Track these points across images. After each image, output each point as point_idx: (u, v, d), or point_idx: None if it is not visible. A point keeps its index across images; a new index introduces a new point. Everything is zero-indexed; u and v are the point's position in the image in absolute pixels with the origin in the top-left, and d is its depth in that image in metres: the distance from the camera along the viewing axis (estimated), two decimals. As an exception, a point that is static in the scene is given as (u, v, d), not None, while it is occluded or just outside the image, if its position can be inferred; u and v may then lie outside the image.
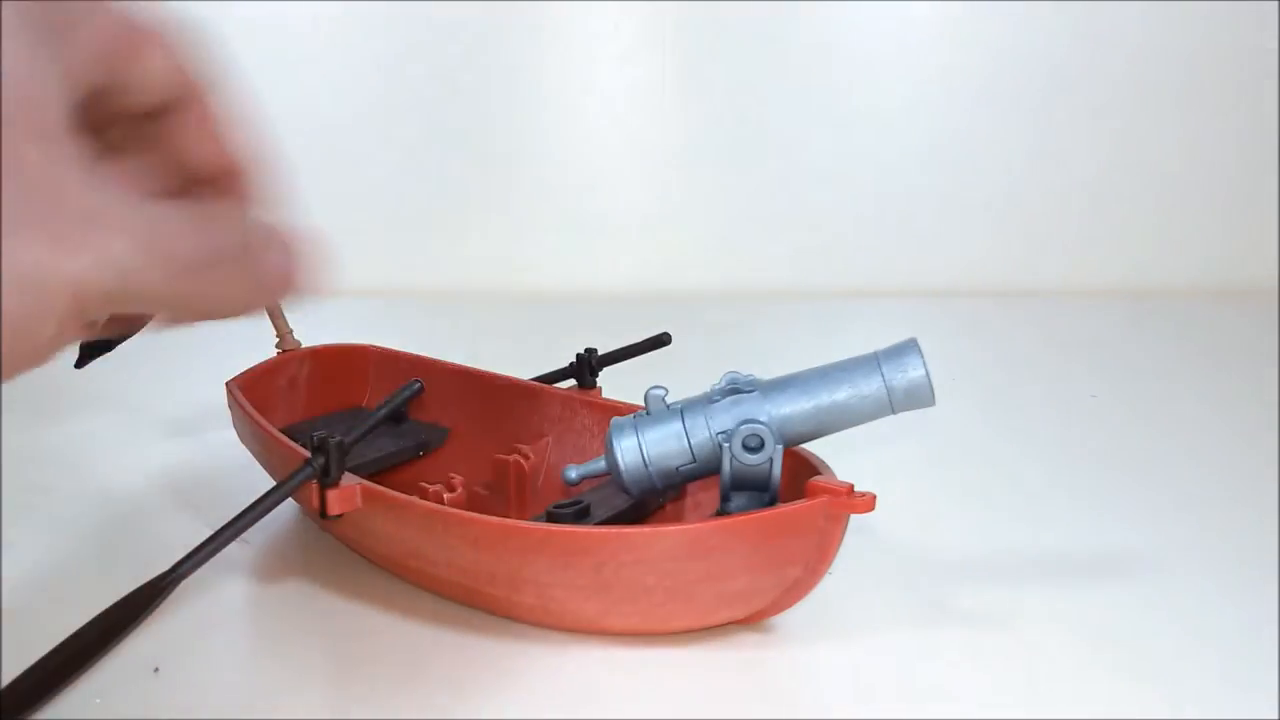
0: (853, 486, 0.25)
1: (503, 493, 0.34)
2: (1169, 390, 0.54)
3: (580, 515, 0.29)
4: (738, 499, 0.27)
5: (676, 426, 0.26)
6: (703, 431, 0.26)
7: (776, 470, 0.26)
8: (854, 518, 0.25)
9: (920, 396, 0.27)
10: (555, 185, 0.83)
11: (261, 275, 0.24)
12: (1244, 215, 0.83)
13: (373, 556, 0.32)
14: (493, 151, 0.83)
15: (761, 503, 0.27)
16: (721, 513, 0.27)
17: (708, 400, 0.27)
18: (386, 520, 0.29)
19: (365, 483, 0.28)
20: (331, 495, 0.27)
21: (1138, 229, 0.83)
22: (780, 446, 0.26)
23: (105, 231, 0.20)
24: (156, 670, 0.26)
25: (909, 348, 0.27)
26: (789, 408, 0.27)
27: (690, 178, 0.83)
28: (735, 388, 0.27)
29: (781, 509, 0.25)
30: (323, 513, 0.28)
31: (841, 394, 0.27)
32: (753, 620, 0.28)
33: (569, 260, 0.81)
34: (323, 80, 0.80)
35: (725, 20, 0.81)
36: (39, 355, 0.21)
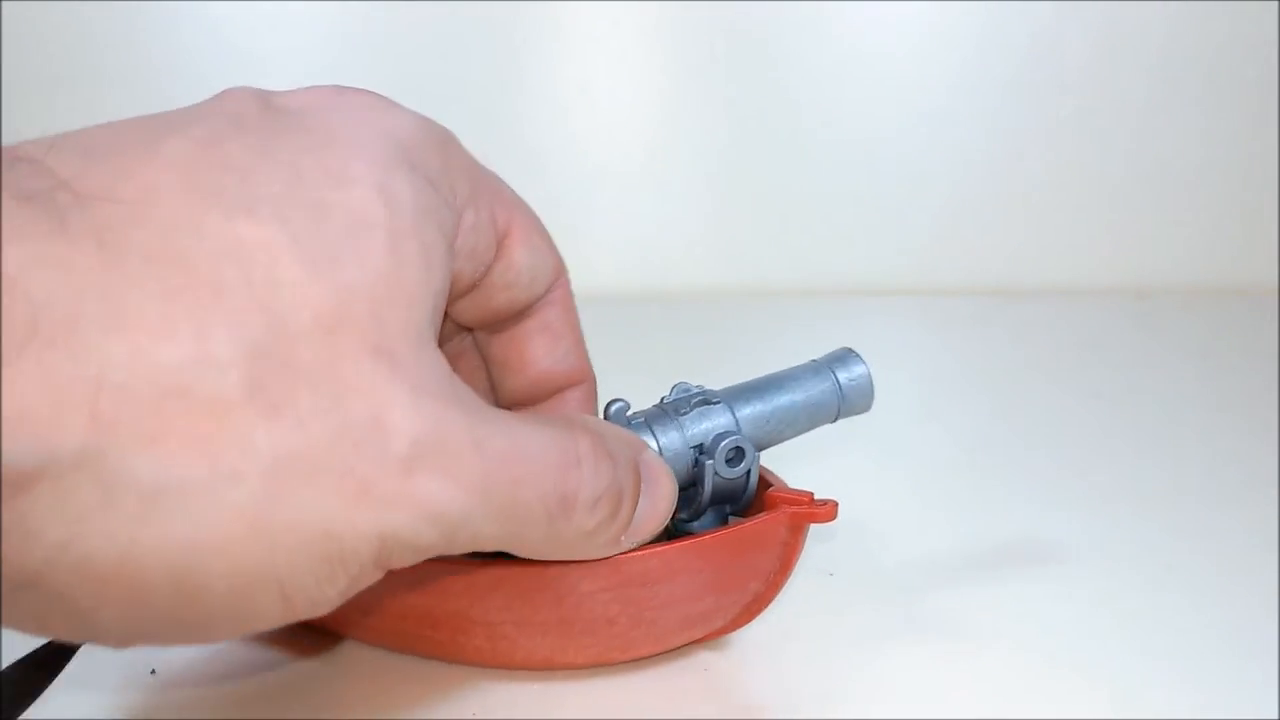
0: (813, 495, 0.25)
1: None
2: (1167, 390, 0.54)
3: None
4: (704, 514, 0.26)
5: (650, 442, 0.25)
6: (678, 445, 0.25)
7: (753, 481, 0.25)
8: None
9: (864, 402, 0.27)
10: (552, 185, 0.83)
11: (626, 527, 0.20)
12: (1244, 215, 0.83)
13: None
14: (489, 150, 0.82)
15: (723, 515, 0.26)
16: (682, 529, 0.26)
17: (674, 412, 0.26)
18: None
19: None
20: None
21: (1137, 228, 0.83)
22: (758, 456, 0.25)
23: (431, 477, 0.16)
24: (154, 672, 0.26)
25: (850, 355, 0.27)
26: (753, 418, 0.26)
27: (689, 177, 0.83)
28: (704, 398, 0.26)
29: (747, 524, 0.24)
30: None
31: (798, 400, 0.27)
32: (709, 639, 0.27)
33: (566, 260, 0.81)
34: (317, 77, 0.80)
35: (725, 19, 0.81)
36: (313, 610, 0.17)
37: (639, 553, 0.23)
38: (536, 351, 0.25)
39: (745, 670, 0.26)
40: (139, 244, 0.15)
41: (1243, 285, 0.79)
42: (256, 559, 0.15)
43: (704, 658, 0.26)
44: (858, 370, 0.27)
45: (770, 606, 0.27)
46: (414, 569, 0.23)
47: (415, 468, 0.16)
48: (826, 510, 0.24)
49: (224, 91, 0.19)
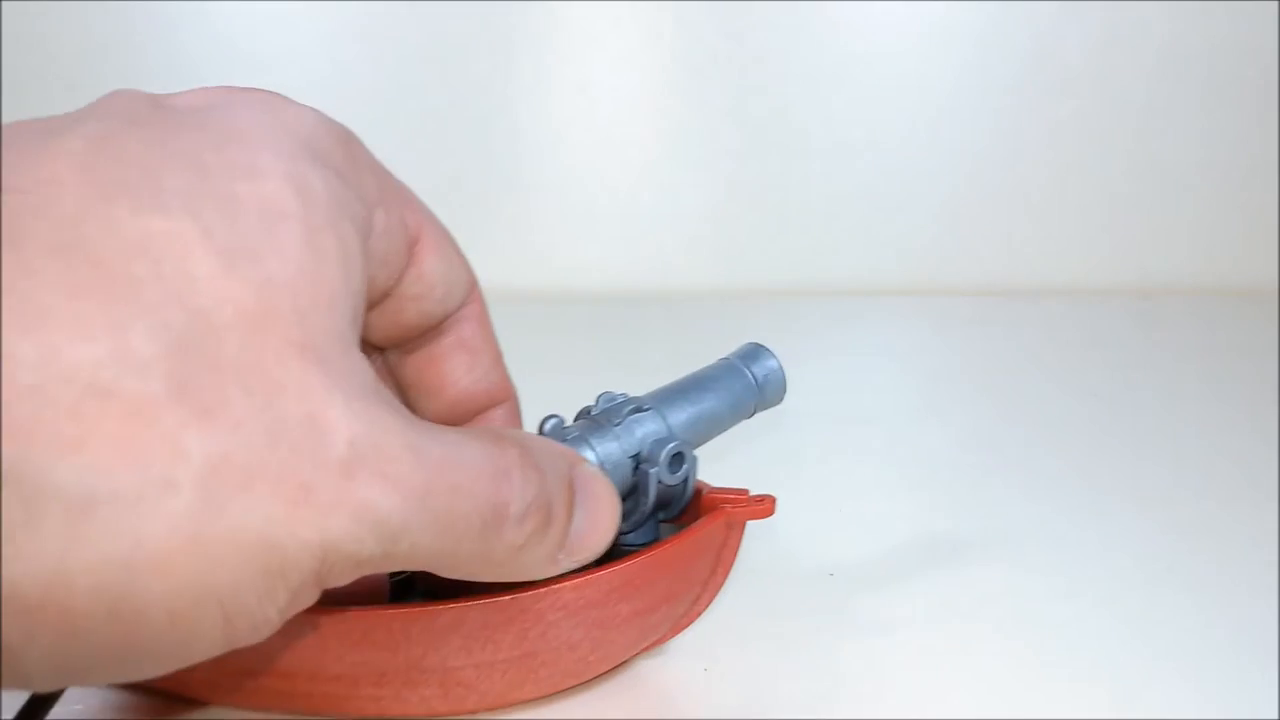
0: (748, 491, 0.25)
1: None
2: (1168, 390, 0.54)
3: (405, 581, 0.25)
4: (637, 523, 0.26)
5: (590, 457, 0.24)
6: (617, 456, 0.24)
7: (690, 486, 0.25)
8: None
9: (778, 396, 0.28)
10: (551, 185, 0.83)
11: (559, 543, 0.19)
12: (1244, 216, 0.83)
13: (183, 690, 0.24)
14: (488, 151, 0.83)
15: (656, 523, 0.26)
16: (621, 542, 0.25)
17: (607, 422, 0.25)
18: None
19: None
20: None
21: (1138, 229, 0.83)
22: (696, 459, 0.25)
23: (371, 481, 0.15)
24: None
25: (761, 350, 0.28)
26: (683, 421, 0.26)
27: (690, 177, 0.83)
28: (635, 406, 0.26)
29: (701, 528, 0.24)
30: None
31: (723, 400, 0.27)
32: (650, 648, 0.26)
33: (564, 259, 0.81)
34: (316, 76, 0.80)
35: (725, 19, 0.81)
36: (254, 635, 0.16)
37: (603, 571, 0.23)
38: (455, 370, 0.23)
39: (751, 670, 0.26)
40: (41, 236, 0.14)
41: (1243, 286, 0.79)
42: (196, 576, 0.14)
43: (704, 660, 0.26)
44: (770, 365, 0.28)
45: (773, 607, 0.27)
46: (360, 621, 0.22)
47: (354, 470, 0.15)
48: (764, 507, 0.24)
49: (110, 93, 0.18)
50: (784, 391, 0.28)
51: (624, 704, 0.25)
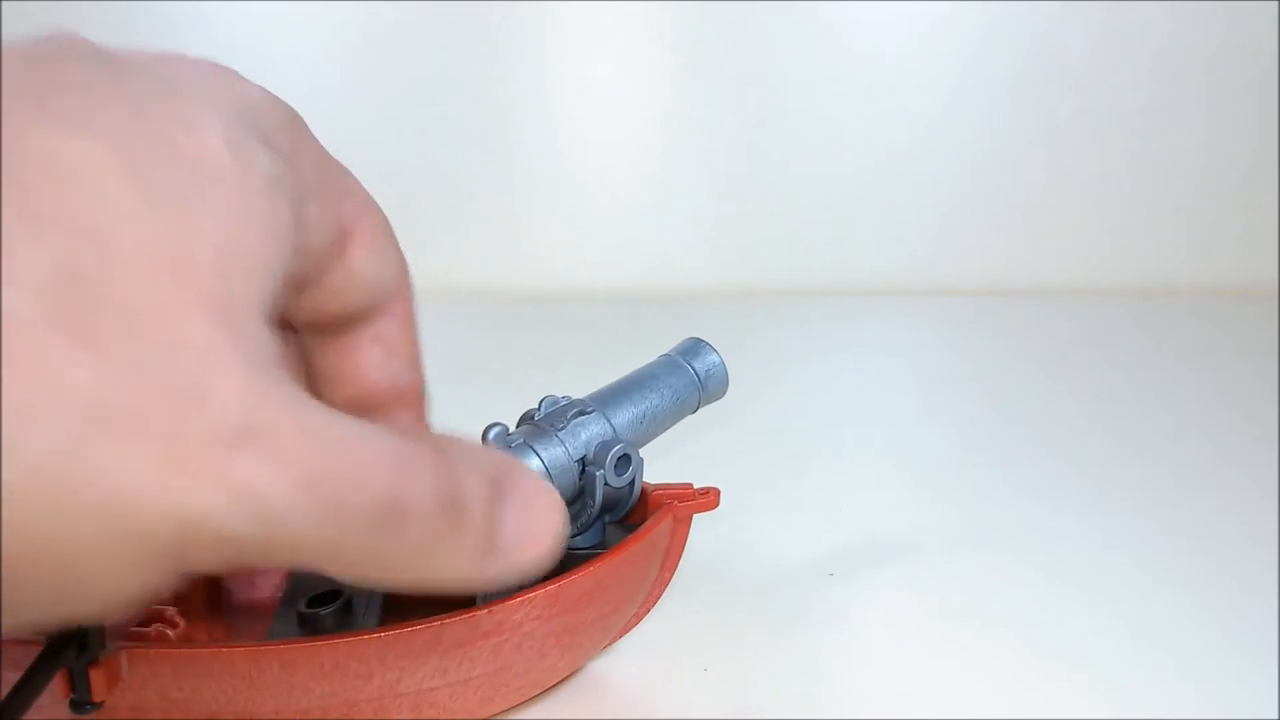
0: (691, 485, 0.25)
1: (194, 607, 0.26)
2: (1167, 390, 0.54)
3: (334, 598, 0.25)
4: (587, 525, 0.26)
5: (535, 462, 0.24)
6: (563, 460, 0.25)
7: (638, 487, 0.25)
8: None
9: (721, 390, 0.28)
10: (552, 185, 0.83)
11: (491, 543, 0.18)
12: (1244, 215, 0.83)
13: None
14: (489, 150, 0.83)
15: (602, 524, 0.26)
16: (574, 546, 0.25)
17: (551, 427, 0.25)
18: (180, 684, 0.21)
19: (133, 644, 0.21)
20: (96, 674, 0.19)
21: (1138, 229, 0.83)
22: (643, 460, 0.25)
23: (255, 458, 0.14)
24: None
25: (702, 344, 0.28)
26: (627, 421, 0.26)
27: (690, 177, 0.83)
28: (579, 409, 0.26)
29: (654, 526, 0.24)
30: (84, 702, 0.19)
31: (666, 398, 0.27)
32: (604, 648, 0.26)
33: (565, 259, 0.81)
34: (318, 76, 0.80)
35: (725, 19, 0.81)
36: (97, 605, 0.14)
37: (575, 575, 0.22)
38: (368, 364, 0.22)
39: (751, 670, 0.26)
40: None
41: (1243, 286, 0.79)
42: (44, 525, 0.13)
43: (704, 660, 0.26)
44: (711, 360, 0.28)
45: (772, 607, 0.27)
46: (332, 650, 0.21)
47: (240, 444, 0.14)
48: (709, 499, 0.25)
49: (53, 32, 0.17)
50: (726, 385, 0.28)
51: (625, 704, 0.25)
